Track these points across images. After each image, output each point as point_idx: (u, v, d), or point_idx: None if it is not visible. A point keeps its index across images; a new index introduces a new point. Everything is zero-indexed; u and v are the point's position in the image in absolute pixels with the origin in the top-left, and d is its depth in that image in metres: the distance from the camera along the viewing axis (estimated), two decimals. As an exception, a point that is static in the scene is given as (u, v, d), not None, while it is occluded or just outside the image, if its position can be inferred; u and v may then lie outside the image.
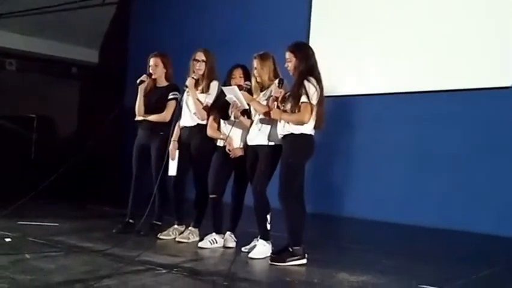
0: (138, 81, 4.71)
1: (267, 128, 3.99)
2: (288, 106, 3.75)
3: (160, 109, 4.71)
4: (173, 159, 4.54)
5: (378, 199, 6.13)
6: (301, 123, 3.71)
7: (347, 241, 5.16)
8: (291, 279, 3.37)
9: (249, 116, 4.17)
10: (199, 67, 4.47)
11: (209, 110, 4.44)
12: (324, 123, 3.85)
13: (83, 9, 8.76)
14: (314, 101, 3.71)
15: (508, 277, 3.85)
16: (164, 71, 4.79)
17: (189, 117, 4.52)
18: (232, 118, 4.18)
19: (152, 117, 4.72)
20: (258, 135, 4.02)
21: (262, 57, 4.09)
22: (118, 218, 4.97)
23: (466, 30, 5.84)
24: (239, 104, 4.07)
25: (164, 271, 3.32)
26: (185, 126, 4.57)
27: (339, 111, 6.19)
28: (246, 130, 4.16)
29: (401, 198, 6.01)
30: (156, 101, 4.73)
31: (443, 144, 5.85)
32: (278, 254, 3.79)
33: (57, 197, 6.42)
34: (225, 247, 4.25)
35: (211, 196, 4.28)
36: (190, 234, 4.47)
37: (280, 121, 3.82)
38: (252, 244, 4.10)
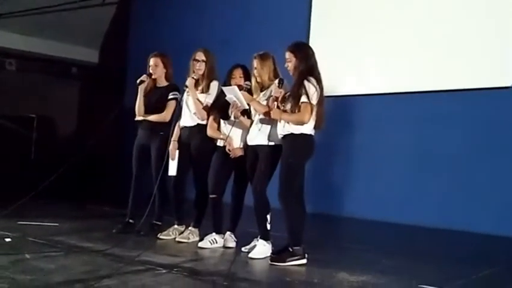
0: (138, 81, 4.71)
1: (267, 128, 3.99)
2: (288, 106, 3.75)
3: (160, 109, 4.71)
4: (173, 159, 4.54)
5: (378, 199, 6.13)
6: (302, 123, 3.71)
7: (347, 241, 5.16)
8: (291, 279, 3.37)
9: (249, 116, 4.17)
10: (199, 67, 4.47)
11: (209, 110, 4.44)
12: (324, 123, 3.85)
13: (83, 9, 8.75)
14: (314, 101, 3.71)
15: (508, 277, 3.85)
16: (164, 71, 4.78)
17: (189, 117, 4.52)
18: (232, 118, 4.18)
19: (152, 117, 4.72)
20: (258, 135, 4.02)
21: (262, 57, 4.09)
22: (118, 218, 4.97)
23: (466, 30, 5.84)
24: (239, 104, 4.07)
25: (164, 271, 3.32)
26: (185, 126, 4.57)
27: (339, 111, 6.19)
28: (246, 130, 4.16)
29: (401, 198, 6.01)
30: (156, 101, 4.73)
31: (443, 144, 5.85)
32: (278, 254, 3.79)
33: (57, 197, 6.42)
34: (225, 247, 4.25)
35: (211, 196, 4.28)
36: (190, 234, 4.47)
37: (280, 121, 3.82)
38: (252, 244, 4.10)
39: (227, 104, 4.19)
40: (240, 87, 4.09)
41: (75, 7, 8.64)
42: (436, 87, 5.98)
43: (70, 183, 6.90)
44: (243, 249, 4.11)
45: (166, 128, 4.62)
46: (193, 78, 4.45)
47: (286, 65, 3.87)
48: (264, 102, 4.02)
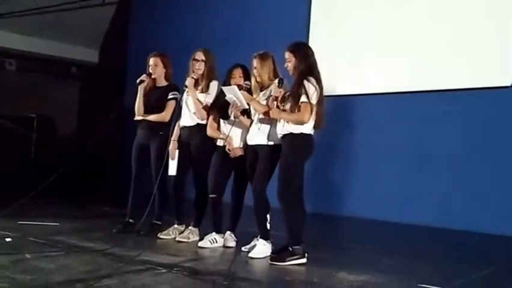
0: (138, 81, 4.71)
1: (266, 127, 3.99)
2: (288, 106, 3.75)
3: (159, 109, 4.71)
4: (173, 159, 4.54)
5: (378, 198, 6.14)
6: (301, 123, 3.71)
7: (347, 240, 5.16)
8: (291, 279, 3.37)
9: (249, 116, 4.17)
10: (199, 67, 4.47)
11: (209, 109, 4.44)
12: (324, 122, 3.86)
13: (83, 9, 8.75)
14: (314, 101, 3.71)
15: (508, 276, 3.85)
16: (164, 70, 4.79)
17: (189, 117, 4.52)
18: (232, 118, 4.18)
19: (152, 117, 4.72)
20: (258, 135, 4.02)
21: (262, 57, 4.09)
22: (118, 218, 4.98)
23: (465, 30, 5.84)
24: (239, 104, 4.07)
25: (164, 271, 3.32)
26: (185, 126, 4.57)
27: (339, 110, 6.20)
28: (246, 130, 4.16)
29: (401, 197, 6.01)
30: (156, 100, 4.73)
31: (443, 143, 5.85)
32: (278, 254, 3.79)
33: (57, 197, 6.43)
34: (224, 247, 4.25)
35: (211, 196, 4.29)
36: (190, 234, 4.47)
37: (279, 121, 3.82)
38: (252, 244, 4.10)
39: (227, 104, 4.19)
40: (240, 87, 4.09)
41: (75, 7, 8.63)
42: (436, 87, 5.98)
43: (70, 183, 6.90)
44: (243, 248, 4.12)
45: (166, 127, 4.62)
46: (192, 78, 4.46)
47: (285, 65, 3.87)
48: (264, 102, 4.02)
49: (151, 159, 4.71)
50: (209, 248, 4.21)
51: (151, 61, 4.75)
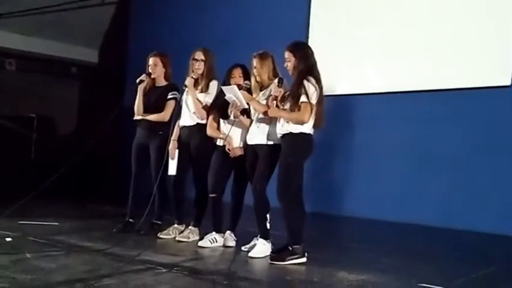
0: (137, 81, 4.71)
1: (266, 127, 4.00)
2: (288, 105, 3.76)
3: (159, 109, 4.72)
4: (173, 158, 4.55)
5: (378, 198, 6.14)
6: (301, 122, 3.72)
7: (347, 240, 5.17)
8: (290, 278, 3.37)
9: (249, 116, 4.17)
10: (198, 66, 4.47)
11: (208, 109, 4.44)
12: (324, 122, 3.86)
13: (82, 9, 8.75)
14: (314, 101, 3.71)
15: (508, 276, 3.85)
16: (164, 70, 4.79)
17: (189, 117, 4.52)
18: (231, 117, 4.19)
19: (151, 117, 4.73)
20: (258, 135, 4.03)
21: (262, 57, 4.09)
22: (118, 218, 4.98)
23: (465, 30, 5.84)
24: (238, 104, 4.07)
25: (164, 270, 3.32)
26: (184, 126, 4.57)
27: (338, 110, 6.20)
28: (246, 129, 4.17)
29: (400, 197, 6.01)
30: (155, 100, 4.73)
31: (442, 142, 5.85)
32: (278, 253, 3.80)
33: (57, 197, 6.42)
34: (224, 246, 4.26)
35: (211, 195, 4.29)
36: (190, 234, 4.47)
37: (279, 120, 3.82)
38: (252, 243, 4.11)
39: (226, 104, 4.19)
40: (240, 87, 4.09)
41: (74, 7, 8.63)
42: (436, 87, 5.98)
43: (70, 183, 6.90)
44: (242, 248, 4.12)
45: (165, 127, 4.62)
46: (192, 77, 4.46)
47: (285, 65, 3.87)
48: (264, 102, 4.02)
49: (150, 159, 4.71)
50: (209, 247, 4.21)
51: (151, 61, 4.75)
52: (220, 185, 4.29)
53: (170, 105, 4.70)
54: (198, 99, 4.45)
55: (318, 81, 3.77)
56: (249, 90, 4.10)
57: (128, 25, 9.52)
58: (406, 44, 6.22)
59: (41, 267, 3.23)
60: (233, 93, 4.06)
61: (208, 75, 4.49)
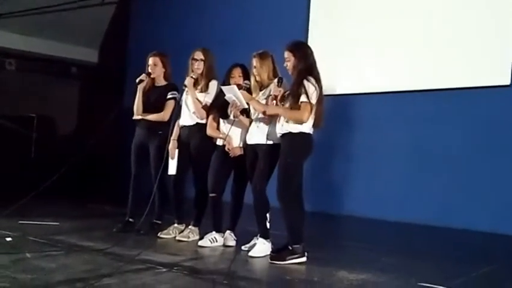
0: (137, 81, 4.72)
1: (266, 127, 4.00)
2: (287, 105, 3.76)
3: (158, 108, 4.72)
4: (172, 158, 4.55)
5: (378, 197, 6.14)
6: (301, 122, 3.72)
7: (347, 239, 5.16)
8: (291, 278, 3.37)
9: (248, 115, 4.18)
10: (198, 66, 4.47)
11: (208, 109, 4.45)
12: (324, 122, 3.86)
13: (82, 9, 8.75)
14: (314, 100, 3.71)
15: (508, 275, 3.85)
16: (163, 70, 4.79)
17: (188, 117, 4.53)
18: (231, 117, 4.19)
19: (151, 117, 4.73)
20: (257, 134, 4.03)
21: (262, 56, 4.09)
22: (118, 217, 4.98)
23: (465, 30, 5.84)
24: (238, 103, 4.08)
25: (164, 270, 3.32)
26: (184, 126, 4.57)
27: (338, 109, 6.20)
28: (246, 129, 4.17)
29: (400, 196, 6.01)
30: (155, 100, 4.74)
31: (442, 142, 5.85)
32: (278, 253, 3.80)
33: (57, 196, 6.42)
34: (224, 246, 4.26)
35: (210, 195, 4.29)
36: (190, 233, 4.48)
37: (279, 120, 3.83)
38: (252, 243, 4.11)
39: (226, 103, 4.19)
40: (239, 87, 4.10)
41: (74, 7, 8.64)
42: (436, 86, 5.98)
43: (70, 183, 6.90)
44: (242, 247, 4.13)
45: (165, 127, 4.62)
46: (192, 77, 4.46)
47: (285, 64, 3.87)
48: (263, 101, 4.03)
49: (150, 159, 4.71)
50: (209, 247, 4.21)
51: (150, 61, 4.76)
52: (220, 185, 4.30)
53: (170, 105, 4.71)
54: (197, 99, 4.45)
55: (318, 80, 3.77)
56: (248, 90, 4.10)
57: (129, 25, 9.52)
58: (406, 44, 6.22)
59: (41, 267, 3.24)
60: (233, 93, 4.06)
61: (208, 75, 4.49)
